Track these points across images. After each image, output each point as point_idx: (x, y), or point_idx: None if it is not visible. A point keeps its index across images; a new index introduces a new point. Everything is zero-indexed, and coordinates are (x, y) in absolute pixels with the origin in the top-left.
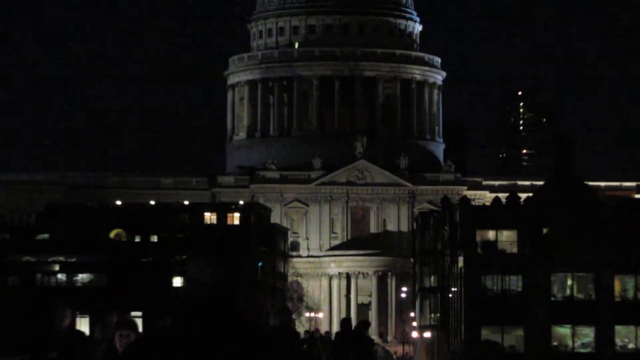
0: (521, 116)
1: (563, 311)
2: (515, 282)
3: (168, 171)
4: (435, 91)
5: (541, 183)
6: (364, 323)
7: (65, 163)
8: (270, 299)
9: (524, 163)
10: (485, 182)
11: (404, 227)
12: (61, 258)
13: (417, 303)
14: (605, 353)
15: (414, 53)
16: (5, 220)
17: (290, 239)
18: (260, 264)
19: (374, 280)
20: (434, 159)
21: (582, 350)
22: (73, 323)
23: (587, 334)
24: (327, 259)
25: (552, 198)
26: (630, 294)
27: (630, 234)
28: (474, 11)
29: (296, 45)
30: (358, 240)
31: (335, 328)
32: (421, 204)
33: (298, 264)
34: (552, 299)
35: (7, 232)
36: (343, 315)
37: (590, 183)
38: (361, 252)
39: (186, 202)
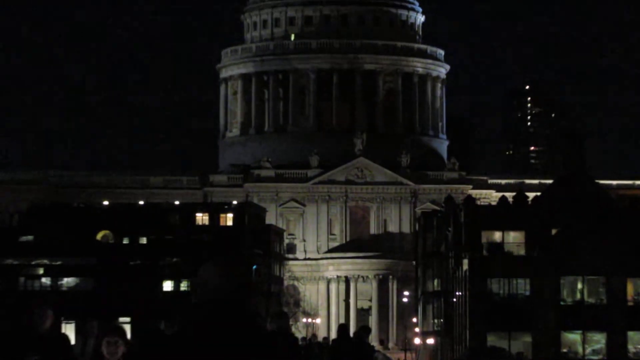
0: (529, 111)
1: (573, 316)
2: (522, 286)
3: (157, 170)
4: (439, 85)
5: (550, 181)
6: (364, 329)
7: (50, 161)
8: (266, 303)
9: (532, 160)
10: (491, 181)
11: (406, 228)
12: (45, 261)
13: (420, 308)
14: None
15: (416, 45)
16: None
17: (286, 241)
18: (254, 267)
19: (374, 284)
20: (437, 157)
21: (592, 358)
22: (56, 325)
23: (598, 340)
24: (325, 261)
25: (562, 197)
26: None
27: None
28: (479, 1)
29: (292, 37)
30: (357, 242)
31: (334, 334)
32: (424, 203)
33: (294, 267)
34: (562, 303)
35: None
36: (342, 321)
37: (602, 182)
38: (361, 254)
39: (176, 202)
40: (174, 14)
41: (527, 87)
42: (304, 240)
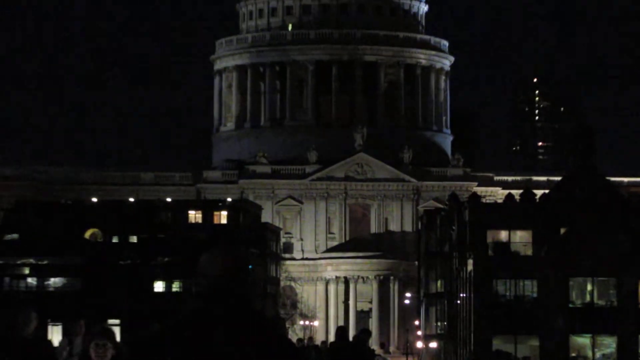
0: (537, 105)
1: (582, 319)
2: (529, 288)
3: (148, 165)
4: (443, 77)
5: (558, 178)
6: (364, 332)
7: (36, 157)
8: (262, 305)
9: (540, 156)
10: (497, 178)
11: (408, 227)
12: (31, 260)
13: (422, 310)
14: None
15: (419, 36)
16: None
17: (282, 240)
18: (249, 267)
19: (375, 285)
20: (440, 152)
21: None
22: (42, 329)
23: (609, 345)
24: (323, 261)
25: (571, 195)
26: None
27: None
28: None
29: (290, 27)
30: (357, 242)
31: (333, 337)
32: (427, 201)
33: (291, 268)
34: (571, 305)
35: None
36: (341, 323)
37: (612, 179)
38: (361, 254)
39: (168, 199)
40: (166, 3)
41: (535, 79)
42: (302, 240)
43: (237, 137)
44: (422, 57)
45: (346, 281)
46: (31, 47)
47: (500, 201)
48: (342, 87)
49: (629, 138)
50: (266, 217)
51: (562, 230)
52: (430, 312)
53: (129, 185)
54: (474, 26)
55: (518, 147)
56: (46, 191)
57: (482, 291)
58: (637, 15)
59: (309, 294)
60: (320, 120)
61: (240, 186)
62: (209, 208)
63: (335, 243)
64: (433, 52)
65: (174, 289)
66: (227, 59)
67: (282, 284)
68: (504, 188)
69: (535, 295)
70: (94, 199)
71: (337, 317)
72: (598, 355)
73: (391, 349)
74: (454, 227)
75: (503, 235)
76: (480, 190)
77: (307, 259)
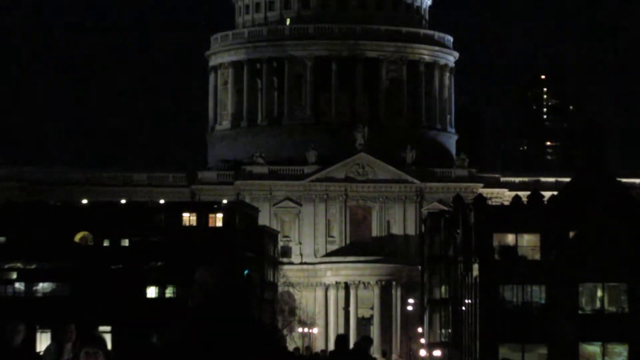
0: (545, 103)
1: (592, 326)
2: (537, 293)
3: (141, 165)
4: (447, 74)
5: (568, 180)
6: (365, 340)
7: (24, 156)
8: (258, 312)
9: (548, 157)
10: (503, 179)
11: (411, 230)
12: (19, 265)
13: (426, 317)
14: None
15: (422, 31)
16: None
17: (280, 244)
18: (246, 271)
19: (377, 291)
20: (445, 152)
21: None
22: (30, 340)
23: (620, 353)
24: (322, 266)
25: (580, 197)
26: None
27: None
28: None
29: (288, 22)
30: (358, 245)
31: (332, 345)
32: (430, 203)
33: (290, 272)
34: (580, 312)
35: None
36: (341, 331)
37: (623, 180)
38: (361, 258)
39: (162, 201)
40: None
41: (543, 77)
42: (300, 243)
43: (233, 136)
44: (426, 53)
45: (346, 287)
46: (21, 38)
47: (507, 203)
48: (342, 84)
49: None
50: (263, 219)
51: (572, 234)
52: (434, 319)
53: (120, 187)
54: (480, 21)
55: (525, 147)
56: (35, 193)
57: (488, 297)
58: None
59: (308, 300)
60: (320, 118)
61: (236, 187)
62: (204, 210)
63: (335, 247)
64: (437, 48)
65: (167, 295)
66: (222, 54)
67: (279, 289)
68: (510, 189)
69: (543, 301)
70: (84, 201)
71: (337, 324)
72: None
73: (393, 357)
74: (458, 231)
75: (510, 238)
76: (486, 191)
77: (305, 263)
